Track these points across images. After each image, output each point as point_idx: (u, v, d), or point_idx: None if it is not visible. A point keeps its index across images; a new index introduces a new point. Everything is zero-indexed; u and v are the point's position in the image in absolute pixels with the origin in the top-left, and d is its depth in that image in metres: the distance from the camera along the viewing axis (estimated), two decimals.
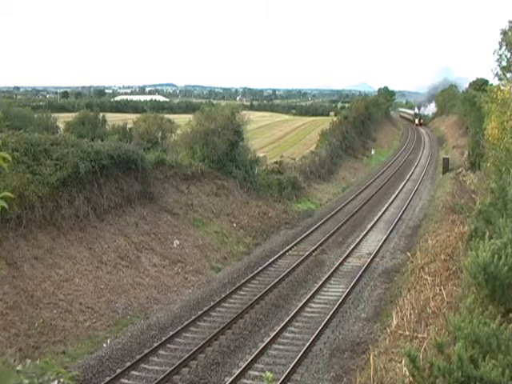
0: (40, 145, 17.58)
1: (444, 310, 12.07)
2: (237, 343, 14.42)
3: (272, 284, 18.53)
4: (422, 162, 56.77)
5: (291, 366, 12.62)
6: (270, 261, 21.38)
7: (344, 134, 51.93)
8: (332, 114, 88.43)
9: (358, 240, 24.49)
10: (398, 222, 28.44)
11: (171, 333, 14.61)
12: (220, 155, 27.90)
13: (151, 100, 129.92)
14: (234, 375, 12.24)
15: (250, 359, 12.99)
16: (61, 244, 16.77)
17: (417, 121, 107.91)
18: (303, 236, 25.10)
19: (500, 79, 23.90)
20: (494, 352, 5.70)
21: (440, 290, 13.82)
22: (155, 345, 13.91)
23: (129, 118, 41.03)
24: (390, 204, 33.42)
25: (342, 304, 16.87)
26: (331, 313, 15.91)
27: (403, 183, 41.81)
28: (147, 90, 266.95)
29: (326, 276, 19.47)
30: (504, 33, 22.64)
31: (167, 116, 38.99)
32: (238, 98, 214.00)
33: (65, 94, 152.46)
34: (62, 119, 38.89)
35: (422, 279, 15.99)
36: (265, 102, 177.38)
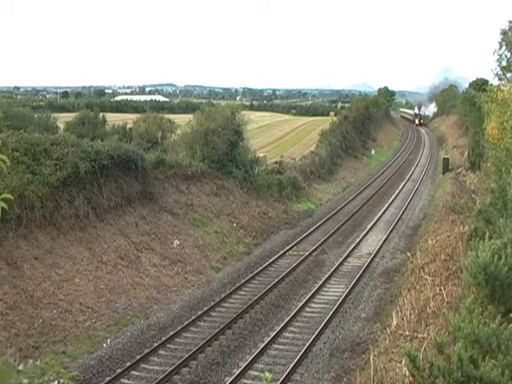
0: (40, 145, 17.57)
1: (444, 310, 12.07)
2: (237, 343, 14.42)
3: (272, 284, 18.53)
4: (422, 161, 56.77)
5: (291, 365, 12.62)
6: (270, 261, 21.38)
7: (344, 134, 51.93)
8: (332, 114, 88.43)
9: (357, 240, 24.49)
10: (398, 222, 28.44)
11: (171, 333, 14.61)
12: (220, 155, 27.90)
13: (151, 100, 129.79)
14: (234, 375, 12.24)
15: (250, 359, 12.99)
16: (61, 244, 16.77)
17: (417, 121, 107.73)
18: (303, 236, 25.10)
19: (500, 79, 23.91)
20: (493, 352, 5.70)
21: (440, 290, 13.82)
22: (155, 345, 13.91)
23: (129, 118, 41.03)
24: (390, 204, 33.43)
25: (342, 304, 16.88)
26: (331, 313, 15.91)
27: (403, 183, 41.81)
28: (147, 90, 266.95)
29: (326, 276, 19.48)
30: (504, 33, 22.64)
31: (167, 116, 39.00)
32: (238, 98, 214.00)
33: (65, 94, 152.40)
34: (62, 119, 38.89)
35: (421, 279, 15.99)
36: (265, 102, 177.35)
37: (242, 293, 18.12)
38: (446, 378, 5.50)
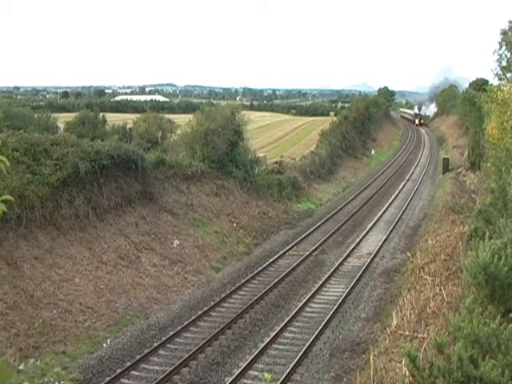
0: (40, 145, 17.57)
1: (444, 310, 12.07)
2: (237, 343, 14.42)
3: (272, 284, 18.53)
4: (422, 161, 56.77)
5: (291, 366, 12.62)
6: (270, 261, 21.38)
7: (344, 134, 51.93)
8: (332, 114, 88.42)
9: (357, 240, 24.49)
10: (398, 222, 28.44)
11: (171, 333, 14.61)
12: (220, 155, 27.90)
13: (151, 100, 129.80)
14: (234, 375, 12.24)
15: (250, 359, 12.99)
16: (61, 244, 16.77)
17: (417, 121, 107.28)
18: (303, 236, 25.10)
19: (500, 79, 23.91)
20: (493, 352, 5.70)
21: (440, 290, 13.82)
22: (155, 345, 13.91)
23: (129, 118, 41.04)
24: (390, 204, 33.43)
25: (342, 304, 16.87)
26: (331, 313, 15.91)
27: (403, 183, 41.81)
28: (147, 90, 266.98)
29: (326, 276, 19.47)
30: (504, 33, 22.64)
31: (167, 116, 39.00)
32: (238, 98, 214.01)
33: (65, 94, 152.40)
34: (62, 119, 38.90)
35: (421, 279, 15.99)
36: (265, 102, 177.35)
37: (242, 293, 18.12)
38: (446, 377, 5.50)
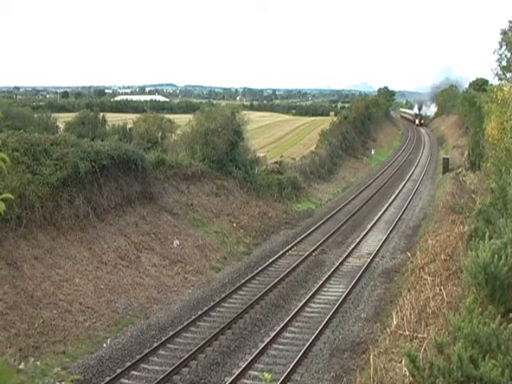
0: (40, 145, 17.57)
1: (444, 310, 12.07)
2: (237, 343, 14.42)
3: (272, 284, 18.53)
4: (422, 161, 56.77)
5: (291, 366, 12.62)
6: (270, 261, 21.38)
7: (344, 134, 51.93)
8: (332, 114, 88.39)
9: (357, 240, 24.49)
10: (398, 222, 28.44)
11: (171, 333, 14.61)
12: (220, 155, 27.90)
13: (151, 100, 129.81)
14: (234, 375, 12.24)
15: (250, 359, 12.99)
16: (61, 244, 16.77)
17: (417, 121, 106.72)
18: (303, 236, 25.10)
19: (500, 79, 23.90)
20: (493, 352, 5.70)
21: (440, 290, 13.82)
22: (155, 345, 13.91)
23: (129, 118, 41.03)
24: (390, 204, 33.43)
25: (342, 304, 16.87)
26: (331, 313, 15.91)
27: (403, 183, 41.81)
28: (147, 90, 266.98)
29: (326, 276, 19.47)
30: (504, 33, 22.64)
31: (167, 116, 39.00)
32: (238, 98, 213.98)
33: (65, 94, 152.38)
34: (62, 119, 38.89)
35: (421, 279, 15.99)
36: (265, 102, 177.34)
37: (242, 293, 18.12)
38: (446, 377, 5.50)
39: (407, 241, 24.73)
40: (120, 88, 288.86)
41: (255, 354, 13.27)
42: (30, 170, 16.57)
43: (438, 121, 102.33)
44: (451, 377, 5.45)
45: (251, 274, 19.73)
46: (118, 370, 12.54)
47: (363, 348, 13.50)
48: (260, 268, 20.45)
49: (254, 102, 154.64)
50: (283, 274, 19.63)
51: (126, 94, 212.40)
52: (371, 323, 15.19)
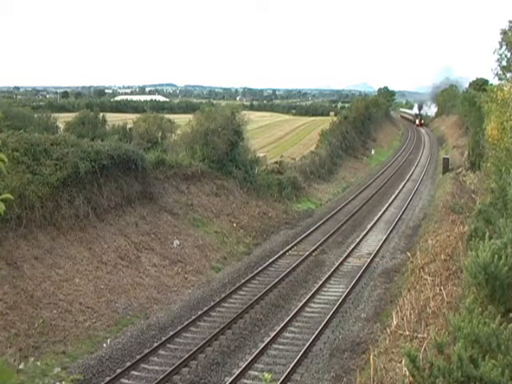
0: (40, 145, 17.57)
1: (444, 310, 12.07)
2: (237, 343, 14.42)
3: (272, 284, 18.53)
4: (422, 161, 56.77)
5: (291, 366, 12.62)
6: (270, 261, 21.38)
7: (344, 134, 51.93)
8: (332, 114, 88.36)
9: (357, 240, 24.49)
10: (398, 222, 28.44)
11: (171, 333, 14.61)
12: (220, 155, 27.90)
13: (151, 100, 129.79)
14: (234, 375, 12.24)
15: (250, 359, 12.99)
16: (61, 244, 16.77)
17: (417, 121, 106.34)
18: (303, 236, 25.10)
19: (500, 79, 23.90)
20: (493, 352, 5.70)
21: (440, 290, 13.82)
22: (155, 345, 13.91)
23: (129, 118, 41.03)
24: (390, 204, 33.42)
25: (342, 304, 16.87)
26: (331, 313, 15.91)
27: (403, 183, 41.81)
28: (147, 90, 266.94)
29: (326, 276, 19.47)
30: (504, 32, 22.64)
31: (167, 116, 39.00)
32: (238, 98, 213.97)
33: (65, 94, 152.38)
34: (62, 119, 38.89)
35: (421, 279, 15.99)
36: (265, 102, 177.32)
37: (241, 293, 18.11)
38: (446, 377, 5.50)
39: (407, 241, 24.73)
40: (120, 88, 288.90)
41: (255, 354, 13.27)
42: (30, 170, 16.57)
43: (437, 121, 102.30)
44: (451, 377, 5.45)
45: (251, 274, 19.73)
46: (118, 370, 12.54)
47: (363, 348, 13.50)
48: (260, 268, 20.45)
49: (254, 102, 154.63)
50: (283, 274, 19.63)
51: (126, 94, 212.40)
52: (371, 323, 15.19)
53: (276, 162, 36.19)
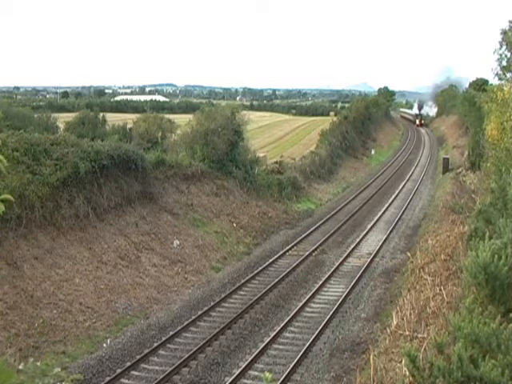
0: (40, 145, 17.57)
1: (444, 310, 12.07)
2: (237, 343, 14.42)
3: (272, 284, 18.53)
4: (422, 161, 56.77)
5: (291, 365, 12.62)
6: (270, 261, 21.38)
7: (344, 134, 51.92)
8: (332, 114, 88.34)
9: (357, 240, 24.49)
10: (398, 222, 28.44)
11: (171, 333, 14.61)
12: (220, 155, 27.90)
13: (151, 100, 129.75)
14: (234, 375, 12.24)
15: (250, 359, 12.99)
16: (61, 244, 16.77)
17: (417, 121, 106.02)
18: (303, 236, 25.10)
19: (500, 79, 23.90)
20: (493, 352, 5.70)
21: (440, 290, 13.82)
22: (155, 345, 13.91)
23: (129, 118, 41.04)
24: (390, 204, 33.42)
25: (342, 304, 16.87)
26: (331, 313, 15.91)
27: (403, 183, 41.81)
28: (147, 90, 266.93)
29: (326, 276, 19.47)
30: (504, 33, 22.64)
31: (167, 116, 39.00)
32: (238, 98, 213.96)
33: (65, 94, 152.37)
34: (62, 119, 38.90)
35: (421, 279, 15.99)
36: (265, 102, 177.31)
37: (241, 293, 18.11)
38: (446, 377, 5.50)
39: (407, 241, 24.72)
40: (120, 88, 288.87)
41: (255, 353, 13.27)
42: (30, 170, 16.57)
43: (438, 121, 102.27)
44: (451, 377, 5.45)
45: (251, 274, 19.73)
46: (118, 370, 12.54)
47: (363, 348, 13.50)
48: (260, 268, 20.45)
49: (254, 102, 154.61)
50: (283, 274, 19.63)
51: (125, 94, 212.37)
52: (371, 323, 15.19)
53: (276, 162, 36.19)
